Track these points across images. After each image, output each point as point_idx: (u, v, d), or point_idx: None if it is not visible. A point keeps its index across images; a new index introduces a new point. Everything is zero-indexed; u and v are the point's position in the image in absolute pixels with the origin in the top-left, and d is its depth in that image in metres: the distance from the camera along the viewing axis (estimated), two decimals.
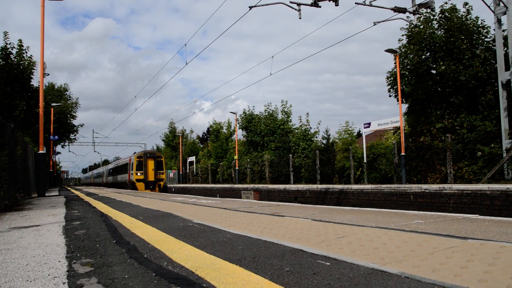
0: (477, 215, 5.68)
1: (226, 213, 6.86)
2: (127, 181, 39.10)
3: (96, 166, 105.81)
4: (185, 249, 3.47)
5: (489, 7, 16.41)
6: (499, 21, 16.28)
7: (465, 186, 12.17)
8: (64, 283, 2.50)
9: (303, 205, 9.28)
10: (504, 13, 15.89)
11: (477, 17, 19.21)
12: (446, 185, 12.82)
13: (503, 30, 16.62)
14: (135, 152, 40.32)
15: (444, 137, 17.64)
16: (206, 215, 6.60)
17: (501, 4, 15.90)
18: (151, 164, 36.51)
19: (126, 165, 40.31)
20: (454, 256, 2.80)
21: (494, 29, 17.09)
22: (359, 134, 32.74)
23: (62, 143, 49.51)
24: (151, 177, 36.36)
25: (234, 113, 35.91)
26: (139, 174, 35.62)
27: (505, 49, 16.46)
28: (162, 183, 37.33)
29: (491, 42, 18.71)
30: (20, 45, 21.38)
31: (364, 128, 23.50)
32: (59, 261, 3.17)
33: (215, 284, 2.33)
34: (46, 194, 18.71)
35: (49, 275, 2.73)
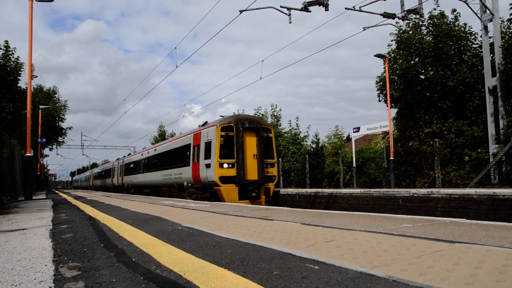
0: (464, 219, 5.74)
1: (215, 216, 6.84)
2: (178, 183, 20.58)
3: (84, 169, 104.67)
4: (173, 253, 3.45)
5: (476, 14, 16.66)
6: (485, 28, 16.54)
7: (453, 190, 12.29)
8: (50, 287, 2.47)
9: (292, 209, 9.29)
10: (490, 20, 16.14)
11: (465, 24, 19.50)
12: (434, 190, 12.95)
13: (490, 37, 16.87)
14: (206, 123, 19.31)
15: (432, 141, 17.81)
16: (195, 218, 6.57)
17: (488, 12, 16.15)
18: (251, 143, 17.14)
19: (179, 152, 21.11)
20: (441, 259, 2.83)
21: (481, 36, 17.35)
22: (349, 139, 32.97)
23: (50, 146, 49.01)
24: (253, 173, 16.91)
25: (223, 117, 35.85)
26: (226, 166, 16.47)
27: (492, 55, 16.71)
28: (272, 186, 17.76)
29: (478, 48, 18.99)
30: (7, 46, 21.11)
31: (354, 132, 23.64)
32: (46, 265, 3.13)
33: (203, 287, 2.32)
34: (33, 197, 18.47)
35: (35, 279, 2.69)
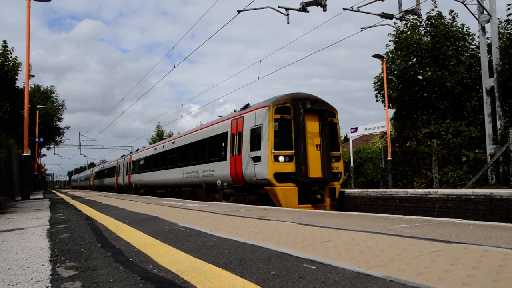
0: (461, 219, 5.75)
1: (213, 216, 6.84)
2: (207, 182, 16.93)
3: (82, 169, 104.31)
4: (171, 253, 3.45)
5: (473, 15, 16.70)
6: (483, 29, 16.57)
7: (450, 190, 12.32)
8: (47, 287, 2.47)
9: (290, 209, 9.30)
10: (488, 21, 16.19)
11: (462, 25, 19.52)
12: (431, 190, 12.97)
13: (487, 38, 16.91)
14: (247, 105, 15.48)
15: (430, 142, 17.84)
16: (192, 218, 6.57)
17: (485, 13, 16.19)
18: (313, 130, 13.51)
19: (210, 143, 17.21)
20: (438, 260, 2.83)
21: (478, 37, 17.39)
22: (346, 139, 32.96)
23: (48, 146, 48.93)
24: (316, 169, 13.16)
25: (220, 116, 35.79)
26: (282, 159, 12.62)
27: (489, 56, 16.76)
28: (338, 185, 14.13)
29: (475, 49, 19.02)
30: (5, 46, 21.11)
31: (351, 132, 23.68)
32: (43, 265, 3.12)
33: (200, 287, 2.32)
34: (31, 197, 18.43)
35: (32, 279, 2.68)
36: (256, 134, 13.20)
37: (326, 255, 3.15)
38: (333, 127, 14.06)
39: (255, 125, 13.31)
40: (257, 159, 12.89)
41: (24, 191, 17.35)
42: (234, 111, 16.08)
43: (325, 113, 13.47)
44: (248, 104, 15.21)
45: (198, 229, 5.02)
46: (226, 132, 15.39)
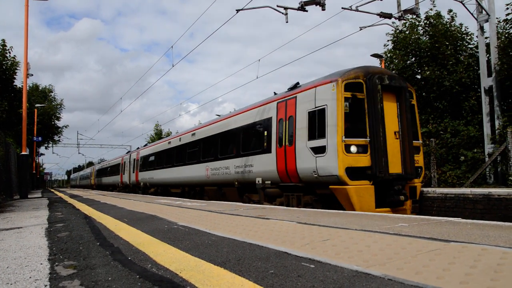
0: (459, 218, 5.76)
1: (211, 215, 6.84)
2: (242, 180, 14.05)
3: (80, 168, 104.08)
4: (169, 252, 3.45)
5: (472, 14, 16.71)
6: (481, 29, 16.59)
7: (449, 190, 12.34)
8: (46, 285, 2.46)
9: (289, 208, 9.30)
10: (487, 21, 16.20)
11: (461, 24, 19.57)
12: (430, 189, 12.98)
13: (486, 37, 16.93)
14: (297, 84, 12.38)
15: (428, 141, 17.86)
16: (191, 217, 6.57)
17: (484, 12, 16.21)
18: (391, 113, 10.53)
19: (246, 132, 14.39)
20: (436, 258, 2.84)
21: (477, 36, 17.40)
22: None
23: (46, 145, 48.90)
24: (396, 163, 10.26)
25: (219, 116, 35.76)
26: (354, 150, 9.78)
27: (487, 55, 16.77)
28: (419, 183, 11.14)
29: (474, 48, 19.05)
30: (3, 45, 21.10)
31: None
32: (41, 264, 3.12)
33: (199, 286, 2.32)
34: (29, 196, 18.41)
35: (30, 277, 2.68)
36: (317, 118, 10.48)
37: (324, 254, 3.15)
38: (413, 110, 11.33)
39: (316, 107, 10.57)
40: (320, 150, 10.18)
41: (23, 190, 17.35)
42: (296, 84, 12.41)
43: (405, 91, 10.64)
44: (298, 83, 12.33)
45: (196, 228, 5.02)
46: (270, 118, 12.61)
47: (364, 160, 9.80)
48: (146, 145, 31.03)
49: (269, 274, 2.56)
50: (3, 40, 21.18)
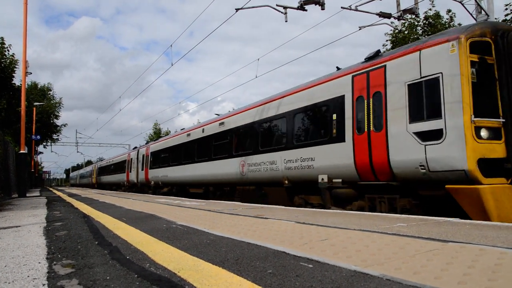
0: (458, 218, 5.77)
1: (210, 215, 6.84)
2: (294, 178, 11.19)
3: (79, 166, 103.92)
4: (168, 251, 3.45)
5: (471, 14, 16.71)
6: None
7: None
8: (44, 284, 2.46)
9: (287, 207, 9.30)
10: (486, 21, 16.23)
11: (459, 24, 19.58)
12: None
13: None
14: (378, 53, 9.36)
15: None
16: (190, 216, 6.56)
17: (483, 12, 16.21)
18: None
19: (297, 118, 11.45)
20: (434, 258, 2.84)
21: None
22: None
23: (44, 143, 48.82)
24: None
25: (219, 115, 35.70)
26: (484, 134, 6.97)
27: None
28: None
29: None
30: (2, 43, 21.05)
31: None
32: (39, 262, 3.12)
33: (197, 285, 2.32)
34: (27, 195, 18.39)
35: (28, 276, 2.68)
36: (424, 92, 7.76)
37: (323, 253, 3.16)
38: None
39: (422, 77, 7.77)
40: (432, 135, 7.47)
41: (21, 189, 17.32)
42: (378, 52, 9.56)
43: None
44: (378, 51, 9.53)
45: (195, 227, 5.02)
46: (342, 97, 9.72)
47: (498, 150, 7.18)
48: (156, 139, 27.76)
49: (267, 274, 2.56)
50: (2, 38, 21.13)
